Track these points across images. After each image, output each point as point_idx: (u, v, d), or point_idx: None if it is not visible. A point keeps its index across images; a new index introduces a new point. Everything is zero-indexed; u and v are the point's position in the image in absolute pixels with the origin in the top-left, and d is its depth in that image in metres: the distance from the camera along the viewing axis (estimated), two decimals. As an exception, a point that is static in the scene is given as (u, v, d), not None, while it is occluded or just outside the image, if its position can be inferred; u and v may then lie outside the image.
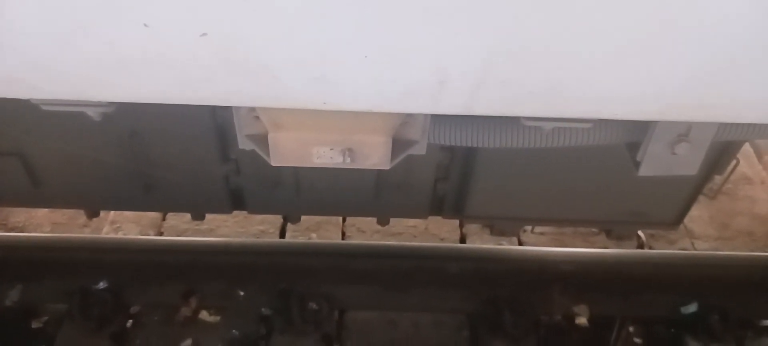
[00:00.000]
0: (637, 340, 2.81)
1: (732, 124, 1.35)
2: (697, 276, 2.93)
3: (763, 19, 0.95)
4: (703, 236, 3.54)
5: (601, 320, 2.82)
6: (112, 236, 3.40)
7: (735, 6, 0.94)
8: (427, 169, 2.21)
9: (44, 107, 1.26)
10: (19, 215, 3.58)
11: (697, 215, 3.62)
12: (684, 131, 1.32)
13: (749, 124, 1.36)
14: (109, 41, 1.01)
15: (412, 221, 3.52)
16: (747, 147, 4.09)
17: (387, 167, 1.43)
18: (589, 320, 2.82)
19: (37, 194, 2.23)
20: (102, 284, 2.73)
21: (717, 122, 1.29)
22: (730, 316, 2.79)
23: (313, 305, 2.71)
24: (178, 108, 1.17)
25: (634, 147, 1.42)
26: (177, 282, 2.79)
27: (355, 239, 3.45)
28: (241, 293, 2.79)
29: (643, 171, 1.41)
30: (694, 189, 2.26)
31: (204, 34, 0.99)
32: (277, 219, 3.52)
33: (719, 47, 0.99)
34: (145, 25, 0.98)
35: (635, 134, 1.40)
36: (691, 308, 2.85)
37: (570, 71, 1.02)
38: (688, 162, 1.38)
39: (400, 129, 1.43)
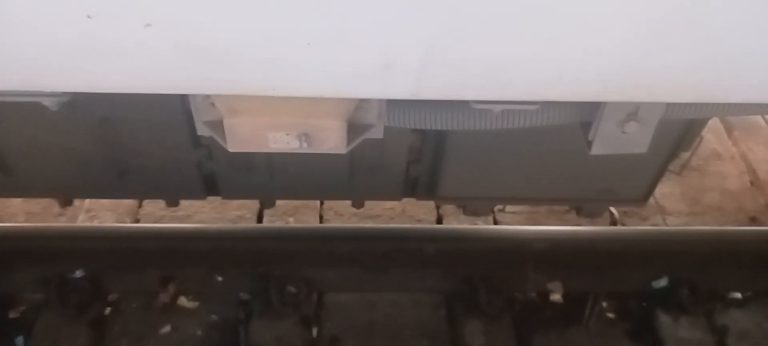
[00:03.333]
0: (610, 315, 2.87)
1: (678, 104, 1.39)
2: (667, 251, 2.99)
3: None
4: (674, 212, 3.59)
5: (575, 296, 2.88)
6: (88, 224, 3.38)
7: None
8: (399, 152, 2.22)
9: None
10: (-8, 205, 3.54)
11: (669, 192, 3.67)
12: (633, 111, 1.35)
13: (695, 103, 1.40)
14: (56, 32, 1.01)
15: (389, 204, 3.53)
16: (718, 123, 4.14)
17: (343, 152, 1.45)
18: (563, 296, 2.89)
19: (8, 183, 2.21)
20: (79, 272, 2.75)
21: (662, 102, 1.33)
22: (699, 289, 2.86)
23: (292, 289, 2.74)
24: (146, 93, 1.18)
25: (586, 127, 1.46)
26: (155, 269, 2.80)
27: (333, 223, 3.47)
28: (220, 279, 2.82)
29: (595, 150, 1.45)
30: (661, 166, 2.29)
31: (148, 25, 1.00)
32: (254, 205, 3.52)
33: (653, 28, 1.02)
34: (87, 16, 0.98)
35: (586, 114, 1.44)
36: (662, 282, 2.92)
37: (512, 54, 1.04)
38: (638, 141, 1.42)
39: (356, 113, 1.45)
